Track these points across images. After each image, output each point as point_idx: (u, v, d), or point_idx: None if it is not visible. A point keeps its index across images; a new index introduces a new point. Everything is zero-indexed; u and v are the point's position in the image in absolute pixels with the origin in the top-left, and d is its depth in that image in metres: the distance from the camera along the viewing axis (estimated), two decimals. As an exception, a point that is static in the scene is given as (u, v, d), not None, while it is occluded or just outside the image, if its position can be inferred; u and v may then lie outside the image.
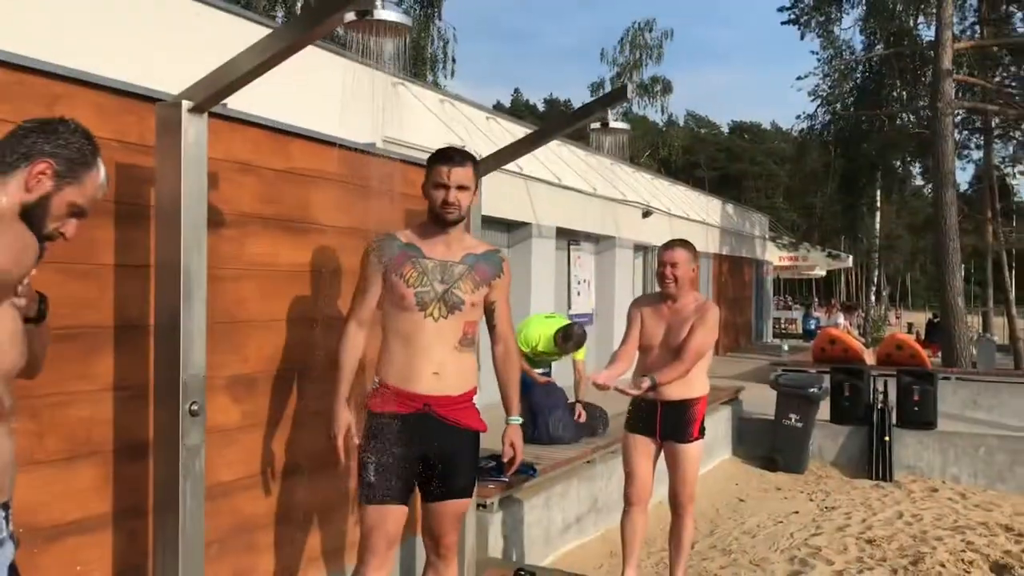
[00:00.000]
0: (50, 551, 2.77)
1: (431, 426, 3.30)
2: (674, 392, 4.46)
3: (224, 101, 2.97)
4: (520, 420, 3.59)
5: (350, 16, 2.39)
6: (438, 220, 3.32)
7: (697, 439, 4.57)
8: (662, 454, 4.70)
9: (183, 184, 2.71)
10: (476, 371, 3.49)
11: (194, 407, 2.74)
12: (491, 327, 3.57)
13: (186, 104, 2.70)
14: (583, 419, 7.05)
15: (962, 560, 6.70)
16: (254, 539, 3.59)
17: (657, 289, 4.68)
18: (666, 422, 4.52)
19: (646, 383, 4.32)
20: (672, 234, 17.88)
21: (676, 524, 4.71)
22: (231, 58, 2.64)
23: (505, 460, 3.57)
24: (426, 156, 3.61)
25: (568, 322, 6.96)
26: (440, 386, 3.30)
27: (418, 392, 3.28)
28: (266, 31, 7.83)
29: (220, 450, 3.36)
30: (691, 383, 4.52)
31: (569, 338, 6.88)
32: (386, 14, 2.38)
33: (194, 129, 2.73)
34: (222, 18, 7.92)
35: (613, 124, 3.90)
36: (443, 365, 3.30)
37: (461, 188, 3.29)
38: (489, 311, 3.51)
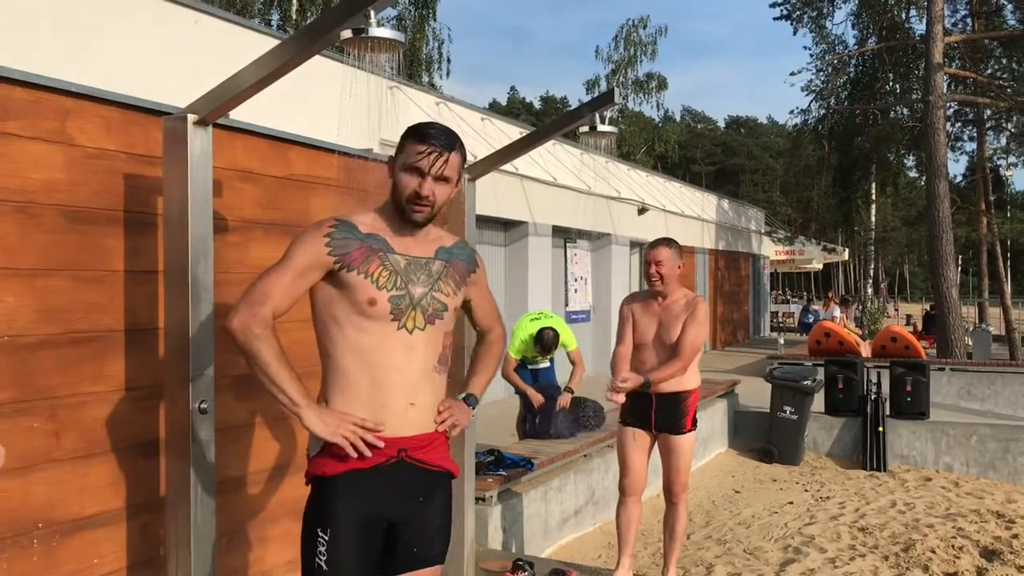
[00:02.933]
0: (68, 545, 2.91)
1: (406, 478, 2.51)
2: (668, 385, 4.60)
3: (226, 112, 3.11)
4: (474, 401, 2.82)
5: (346, 34, 2.53)
6: (402, 216, 2.53)
7: (690, 431, 4.71)
8: (656, 446, 4.83)
9: (190, 193, 2.85)
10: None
11: (203, 405, 2.89)
12: (476, 325, 2.95)
13: (192, 117, 2.84)
14: (567, 405, 7.18)
15: (952, 546, 6.85)
16: (263, 531, 3.74)
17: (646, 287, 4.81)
18: (660, 415, 4.66)
19: (636, 380, 4.45)
20: (668, 230, 18.05)
21: (671, 513, 4.83)
22: (234, 73, 2.77)
23: (439, 421, 2.59)
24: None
25: (542, 326, 7.11)
26: (417, 422, 2.52)
27: (389, 435, 2.46)
28: (259, 37, 7.98)
29: (228, 446, 3.51)
30: (684, 376, 4.66)
31: (538, 342, 7.05)
32: (380, 32, 2.52)
33: (199, 141, 2.88)
34: (220, 27, 8.06)
35: (601, 128, 4.04)
36: (419, 393, 2.52)
37: (441, 180, 2.48)
38: (467, 310, 2.87)
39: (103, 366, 3.04)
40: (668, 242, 4.71)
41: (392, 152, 2.56)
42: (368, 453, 2.42)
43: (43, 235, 2.85)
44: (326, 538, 2.42)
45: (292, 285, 2.46)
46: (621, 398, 4.51)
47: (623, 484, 4.85)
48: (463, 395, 2.81)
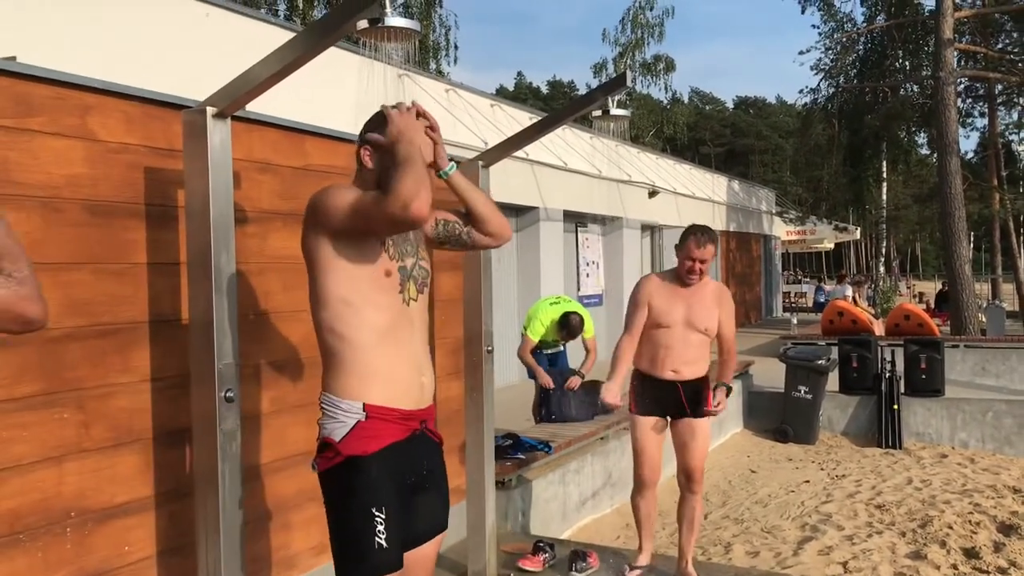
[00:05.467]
0: (100, 532, 2.97)
1: (424, 448, 2.61)
2: (694, 372, 4.52)
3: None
4: None
5: (362, 23, 2.56)
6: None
7: (709, 412, 4.63)
8: (679, 431, 4.62)
9: (211, 185, 2.89)
10: None
11: (229, 394, 2.93)
12: (463, 228, 2.82)
13: (211, 111, 2.87)
14: (575, 387, 7.24)
15: (969, 521, 6.87)
16: (287, 518, 3.79)
17: (663, 270, 4.74)
18: (689, 400, 4.52)
19: (723, 393, 4.45)
20: (679, 213, 18.03)
21: (689, 503, 4.63)
22: (251, 66, 2.80)
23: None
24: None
25: (565, 310, 7.15)
26: (428, 394, 2.62)
27: (412, 408, 2.54)
28: (266, 28, 8.01)
29: (252, 435, 3.56)
30: (704, 361, 4.58)
31: (563, 327, 7.09)
32: (395, 21, 2.54)
33: (219, 134, 2.91)
34: (230, 19, 8.08)
35: (614, 111, 4.06)
36: (424, 365, 2.60)
37: None
38: (449, 227, 2.80)
39: (129, 357, 3.08)
40: (713, 238, 4.47)
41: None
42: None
43: (67, 229, 2.89)
44: (383, 516, 2.42)
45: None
46: (723, 409, 4.46)
47: (642, 475, 4.64)
48: None
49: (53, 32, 6.30)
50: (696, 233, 4.40)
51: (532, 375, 7.42)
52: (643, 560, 4.78)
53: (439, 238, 2.80)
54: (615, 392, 4.49)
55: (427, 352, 2.63)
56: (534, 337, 7.16)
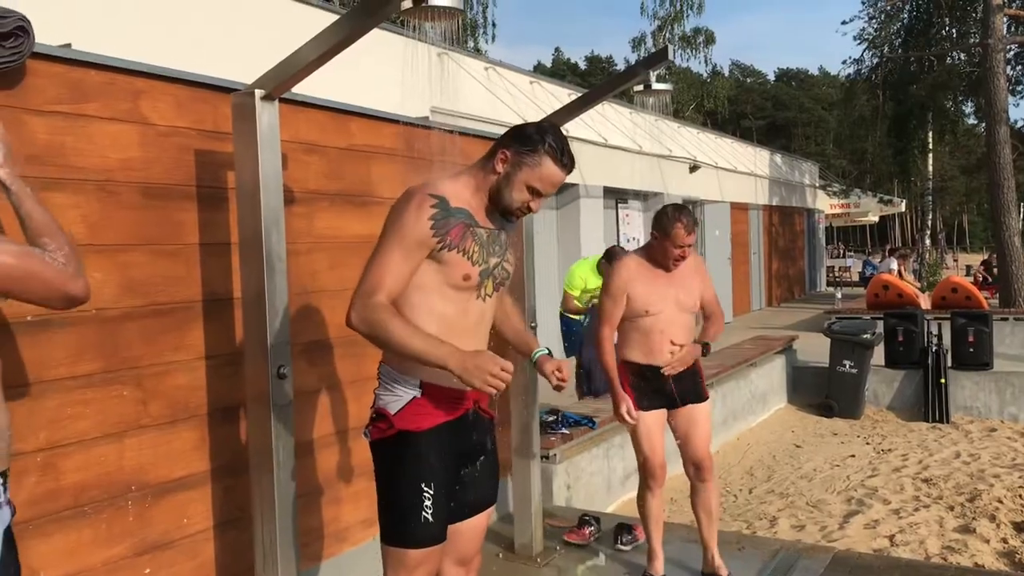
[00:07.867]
0: (159, 506, 3.06)
1: (472, 428, 2.70)
2: None
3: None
4: (547, 349, 2.94)
5: (407, 4, 2.58)
6: (500, 211, 2.61)
7: (707, 395, 4.34)
8: (678, 422, 4.24)
9: (260, 167, 2.94)
10: None
11: (282, 370, 3.00)
12: None
13: (259, 93, 2.93)
14: None
15: (1020, 496, 6.80)
16: (338, 492, 3.87)
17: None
18: (683, 386, 4.18)
19: (699, 349, 4.09)
20: (720, 187, 17.86)
21: (705, 492, 4.23)
22: (297, 48, 2.85)
23: (555, 384, 2.77)
24: (475, 125, 3.10)
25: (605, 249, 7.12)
26: None
27: (465, 388, 2.55)
28: (304, 8, 8.05)
29: (301, 411, 3.63)
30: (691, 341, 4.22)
31: (611, 258, 6.81)
32: (440, 0, 2.56)
33: (267, 115, 2.96)
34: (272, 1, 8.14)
35: (656, 85, 4.05)
36: (483, 349, 2.63)
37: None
38: None
39: (183, 336, 3.17)
40: (695, 220, 4.12)
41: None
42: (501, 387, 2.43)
43: (122, 211, 2.97)
44: (431, 492, 2.53)
45: (402, 266, 2.47)
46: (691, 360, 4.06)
47: (655, 474, 4.18)
48: (537, 352, 2.91)
49: (102, 15, 6.39)
50: (683, 218, 3.98)
51: (570, 352, 7.45)
52: (659, 568, 4.33)
53: None
54: (630, 407, 4.06)
55: (487, 339, 2.71)
56: (573, 291, 7.22)
